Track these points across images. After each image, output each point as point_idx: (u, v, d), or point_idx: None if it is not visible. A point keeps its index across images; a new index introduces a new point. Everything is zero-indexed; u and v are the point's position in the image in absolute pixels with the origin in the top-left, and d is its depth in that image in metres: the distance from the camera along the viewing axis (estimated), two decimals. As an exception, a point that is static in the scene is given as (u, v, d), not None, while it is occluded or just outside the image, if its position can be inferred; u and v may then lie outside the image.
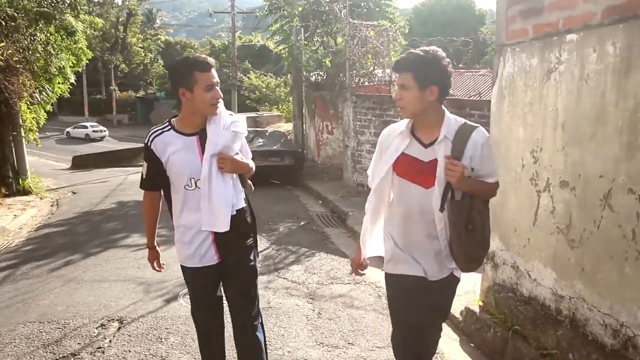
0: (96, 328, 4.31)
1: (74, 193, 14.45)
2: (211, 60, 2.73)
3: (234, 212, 2.82)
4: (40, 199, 13.13)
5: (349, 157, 11.35)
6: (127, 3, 50.36)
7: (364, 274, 2.89)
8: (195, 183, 2.74)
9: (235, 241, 2.89)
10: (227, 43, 44.95)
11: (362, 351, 3.86)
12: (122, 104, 52.71)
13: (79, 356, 3.81)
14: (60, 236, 8.41)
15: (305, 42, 16.39)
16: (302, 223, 8.83)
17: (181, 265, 2.93)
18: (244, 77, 34.71)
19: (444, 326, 3.10)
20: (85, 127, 42.97)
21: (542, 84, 3.46)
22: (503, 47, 3.93)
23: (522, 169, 3.69)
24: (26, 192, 13.52)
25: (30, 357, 3.82)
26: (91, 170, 22.24)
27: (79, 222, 9.79)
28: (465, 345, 3.98)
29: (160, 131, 2.79)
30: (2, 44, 11.09)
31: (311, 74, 16.16)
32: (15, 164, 13.83)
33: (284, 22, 17.23)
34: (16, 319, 4.60)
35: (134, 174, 19.59)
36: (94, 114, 49.77)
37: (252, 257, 2.98)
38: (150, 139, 2.78)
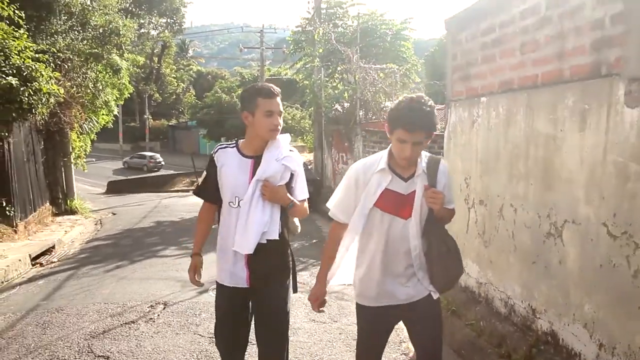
0: (147, 307, 5.76)
1: (114, 214, 16.04)
2: (276, 89, 2.89)
3: (264, 241, 2.88)
4: (86, 218, 14.70)
5: (358, 185, 12.74)
6: (161, 35, 52.90)
7: (323, 311, 3.01)
8: (239, 202, 2.87)
9: (269, 273, 2.95)
10: (256, 74, 46.78)
11: (342, 325, 5.20)
12: (154, 131, 54.70)
13: (137, 323, 5.24)
14: (108, 247, 9.94)
15: (327, 79, 17.89)
16: (314, 241, 10.20)
17: (216, 282, 3.06)
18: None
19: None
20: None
21: (470, 130, 4.85)
22: (450, 102, 5.34)
23: (460, 192, 5.05)
24: (73, 211, 15.12)
25: (103, 322, 5.27)
26: (125, 195, 23.76)
27: (122, 237, 11.33)
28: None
29: (225, 146, 3.01)
30: (66, 83, 12.71)
31: (331, 109, 17.59)
32: (65, 187, 15.54)
33: (307, 60, 18.84)
34: (86, 301, 6.07)
35: (167, 198, 21.19)
36: (128, 142, 51.91)
37: (285, 300, 3.02)
38: (216, 150, 3.01)
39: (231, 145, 2.99)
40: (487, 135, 4.50)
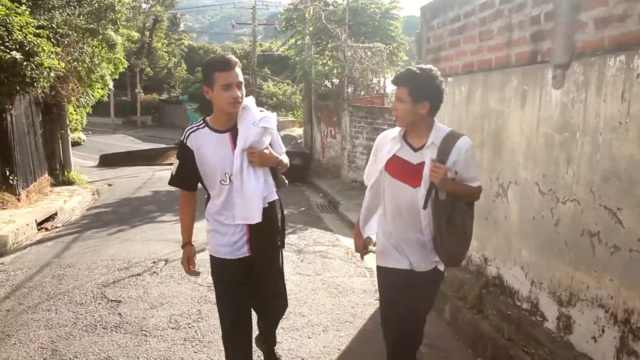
0: (150, 263, 6.41)
1: (110, 185, 16.54)
2: (233, 59, 2.80)
3: (266, 205, 2.94)
4: (83, 188, 15.21)
5: (345, 157, 13.42)
6: (153, 9, 52.73)
7: (368, 253, 3.23)
8: (229, 178, 2.86)
9: (267, 237, 3.03)
10: (248, 49, 46.90)
11: (324, 278, 5.88)
12: (146, 106, 54.58)
13: (142, 275, 5.90)
14: (108, 214, 10.54)
15: (317, 56, 18.39)
16: (302, 209, 10.85)
17: (211, 256, 3.10)
18: (263, 83, 36.89)
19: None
20: None
21: (439, 107, 5.48)
22: (423, 81, 5.95)
23: (430, 161, 5.70)
24: (70, 182, 15.60)
25: (112, 275, 5.93)
26: (118, 168, 24.01)
27: (120, 205, 11.92)
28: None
29: (195, 128, 2.92)
30: (66, 57, 13.15)
31: (321, 85, 18.13)
32: (62, 159, 16.05)
33: (298, 37, 19.32)
34: (94, 258, 6.71)
35: (160, 171, 21.60)
36: (120, 115, 52.00)
37: (280, 258, 3.18)
38: (186, 135, 2.91)
39: (201, 126, 2.92)
40: (452, 111, 5.13)
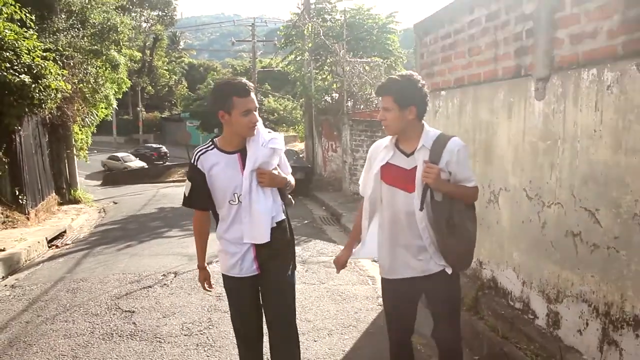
0: (160, 276, 6.66)
1: (115, 203, 16.83)
2: (249, 84, 2.86)
3: (274, 224, 2.98)
4: (89, 207, 15.50)
5: (346, 170, 13.70)
6: (153, 28, 53.37)
7: (344, 268, 3.24)
8: (238, 198, 2.91)
9: (275, 254, 3.04)
10: (248, 66, 47.36)
11: (328, 286, 6.11)
12: (148, 124, 55.04)
13: (153, 288, 6.14)
14: (116, 231, 10.81)
15: (316, 71, 18.76)
16: (306, 222, 11.11)
17: (223, 275, 3.15)
18: (264, 99, 37.31)
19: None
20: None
21: (433, 118, 5.74)
22: (418, 95, 6.22)
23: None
24: (77, 201, 15.92)
25: (124, 287, 6.17)
26: (121, 186, 24.44)
27: (127, 222, 12.20)
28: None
29: (205, 150, 2.96)
30: (72, 79, 13.50)
31: (321, 99, 18.47)
32: (68, 178, 16.35)
33: (297, 53, 19.71)
34: (106, 272, 6.96)
35: (164, 188, 21.98)
36: (122, 134, 52.45)
37: (290, 272, 3.17)
38: (196, 157, 2.95)
39: (210, 148, 2.97)
40: (446, 122, 5.39)
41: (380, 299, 5.56)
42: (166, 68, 57.72)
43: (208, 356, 4.24)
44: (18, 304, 5.72)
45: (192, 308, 5.38)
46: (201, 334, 4.69)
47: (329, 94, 17.88)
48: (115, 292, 6.02)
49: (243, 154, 2.91)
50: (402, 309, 3.01)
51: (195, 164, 2.93)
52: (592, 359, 3.31)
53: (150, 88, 54.54)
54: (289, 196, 3.22)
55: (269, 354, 3.24)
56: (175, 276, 6.61)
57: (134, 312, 5.31)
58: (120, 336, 4.68)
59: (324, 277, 6.49)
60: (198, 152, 2.96)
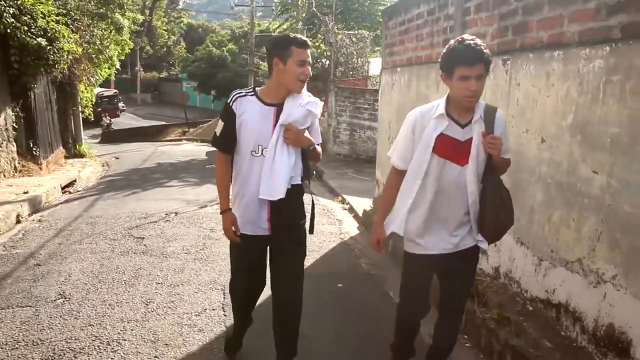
0: (163, 214, 7.98)
1: (117, 158, 18.01)
2: (309, 42, 2.86)
3: (289, 186, 2.87)
4: (93, 160, 16.71)
5: (331, 133, 14.96)
6: (153, -14, 53.29)
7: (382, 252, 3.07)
8: (262, 151, 2.85)
9: (289, 219, 2.97)
10: (246, 29, 47.48)
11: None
12: (146, 83, 55.23)
13: (158, 222, 7.47)
14: (121, 181, 12.07)
15: (311, 39, 19.77)
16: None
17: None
18: (260, 63, 37.99)
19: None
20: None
21: (391, 90, 6.99)
22: (382, 70, 7.47)
23: (386, 132, 7.22)
24: (82, 155, 17.10)
25: (134, 222, 7.50)
26: (119, 144, 25.32)
27: (130, 174, 13.45)
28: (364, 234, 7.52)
29: (244, 94, 2.91)
30: (82, 41, 14.56)
31: (313, 67, 19.47)
32: (74, 133, 17.54)
33: (292, 21, 20.72)
34: (117, 211, 8.27)
35: (162, 146, 23.17)
36: (120, 93, 53.00)
37: (304, 241, 3.09)
38: (233, 98, 2.89)
39: (250, 93, 2.92)
40: (399, 94, 6.64)
41: (342, 235, 6.90)
42: (165, 28, 57.64)
43: (202, 266, 5.56)
44: (49, 232, 7.03)
45: (190, 236, 6.71)
46: (197, 252, 6.02)
47: (319, 61, 18.95)
48: (127, 224, 7.34)
49: (279, 109, 2.88)
50: (425, 287, 2.96)
51: (230, 104, 2.91)
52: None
53: (149, 48, 54.75)
54: (311, 168, 3.14)
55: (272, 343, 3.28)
56: (176, 215, 7.93)
57: (144, 238, 6.63)
58: (135, 253, 6.00)
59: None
60: (236, 94, 2.94)
